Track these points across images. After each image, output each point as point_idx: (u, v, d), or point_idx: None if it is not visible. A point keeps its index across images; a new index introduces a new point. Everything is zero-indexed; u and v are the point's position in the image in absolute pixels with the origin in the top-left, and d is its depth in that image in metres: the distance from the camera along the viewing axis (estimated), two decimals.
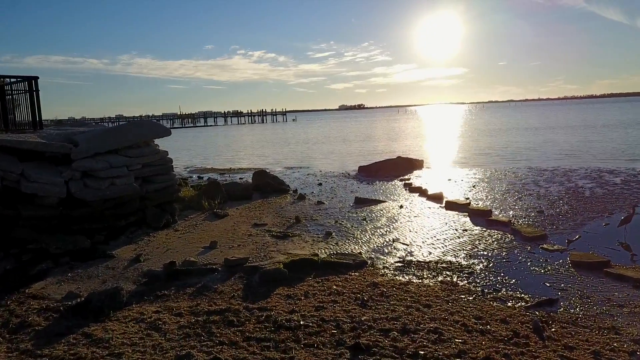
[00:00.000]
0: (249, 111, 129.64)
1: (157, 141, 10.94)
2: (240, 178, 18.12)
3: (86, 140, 9.43)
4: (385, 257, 7.59)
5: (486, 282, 6.36)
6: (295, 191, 14.28)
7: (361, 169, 18.18)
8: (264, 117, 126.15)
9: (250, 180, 15.25)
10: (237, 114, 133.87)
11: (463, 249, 7.85)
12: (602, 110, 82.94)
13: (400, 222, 9.77)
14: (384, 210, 10.96)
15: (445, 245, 8.09)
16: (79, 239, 8.09)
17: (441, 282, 6.42)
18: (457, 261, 7.26)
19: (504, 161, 19.82)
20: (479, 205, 10.81)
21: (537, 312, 5.34)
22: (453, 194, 12.66)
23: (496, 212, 10.29)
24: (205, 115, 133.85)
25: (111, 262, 7.66)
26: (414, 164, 18.73)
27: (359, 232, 9.10)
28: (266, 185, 13.94)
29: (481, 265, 7.06)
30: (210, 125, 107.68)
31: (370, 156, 24.18)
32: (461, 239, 8.41)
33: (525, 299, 5.74)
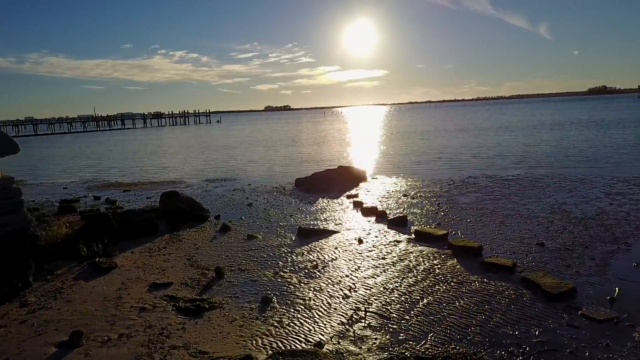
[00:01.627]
0: (170, 112, 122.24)
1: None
2: (147, 197, 14.53)
3: None
4: (361, 350, 4.74)
5: None
6: (217, 217, 11.09)
7: (299, 182, 15.27)
8: (187, 119, 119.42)
9: (159, 202, 11.82)
10: (158, 116, 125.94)
11: (473, 324, 5.19)
12: (517, 111, 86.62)
13: (366, 271, 6.96)
14: (339, 249, 8.11)
15: (444, 317, 5.39)
16: None
17: None
18: (476, 354, 4.57)
19: (452, 169, 17.80)
20: (463, 239, 8.26)
21: None
22: (418, 218, 10.14)
23: (485, 246, 7.82)
24: (123, 117, 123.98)
25: None
26: (357, 175, 16.13)
27: (312, 295, 6.17)
28: (177, 212, 10.60)
29: None
30: (128, 128, 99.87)
31: (306, 164, 21.38)
32: (462, 302, 5.77)
33: None
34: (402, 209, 10.99)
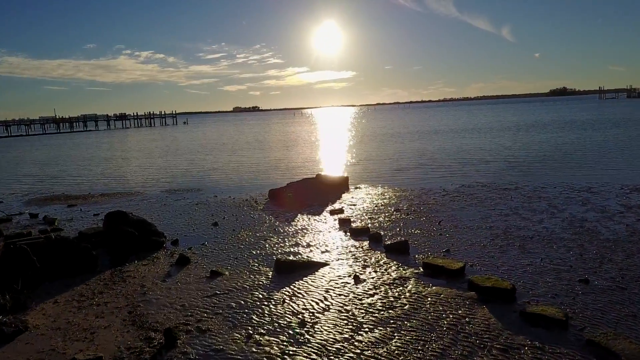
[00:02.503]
0: (135, 114, 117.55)
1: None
2: (95, 214, 12.37)
3: None
4: None
5: None
6: (175, 243, 9.10)
7: (272, 194, 13.36)
8: (152, 120, 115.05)
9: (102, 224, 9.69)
10: (122, 117, 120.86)
11: None
12: (486, 112, 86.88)
13: (373, 332, 5.14)
14: (331, 293, 6.26)
15: None
16: None
17: None
18: None
19: (440, 176, 16.26)
20: (489, 277, 6.43)
21: None
22: (420, 242, 8.39)
23: (517, 284, 6.13)
24: (86, 118, 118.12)
25: None
26: (338, 185, 14.38)
27: None
28: (124, 237, 8.55)
29: None
30: (91, 130, 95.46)
31: (279, 172, 19.48)
32: None
33: None
34: (398, 229, 9.27)
